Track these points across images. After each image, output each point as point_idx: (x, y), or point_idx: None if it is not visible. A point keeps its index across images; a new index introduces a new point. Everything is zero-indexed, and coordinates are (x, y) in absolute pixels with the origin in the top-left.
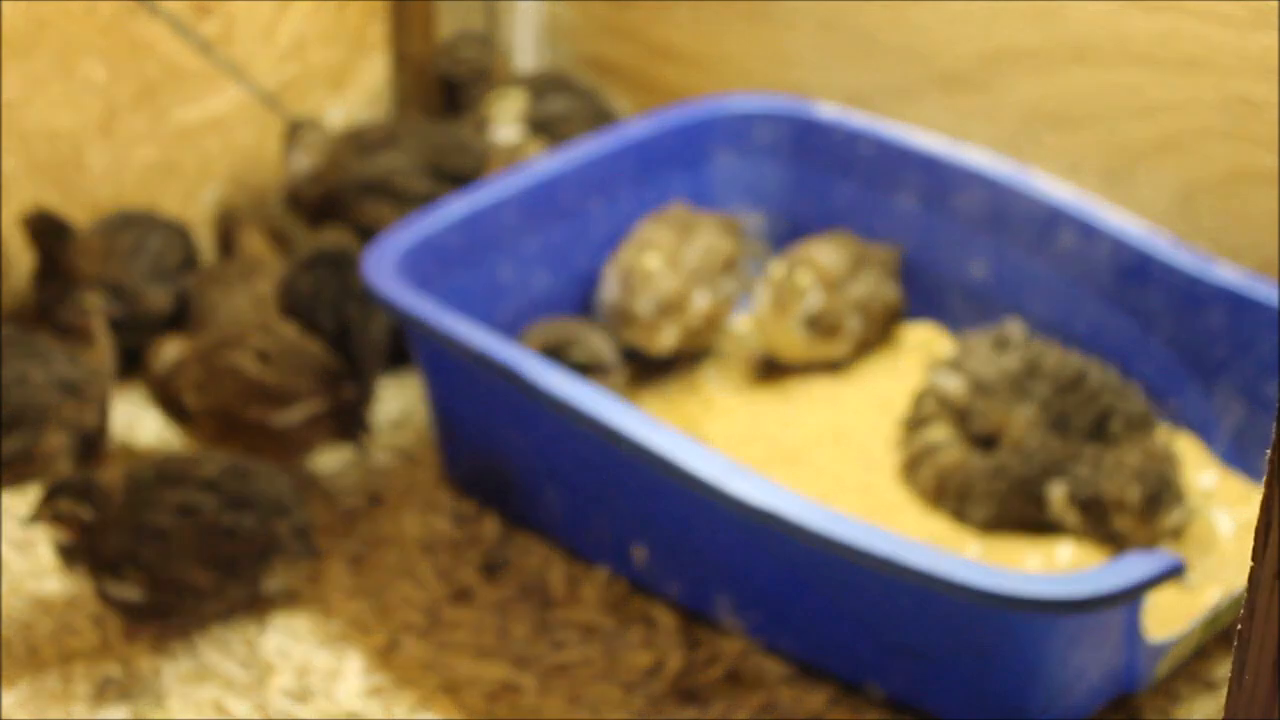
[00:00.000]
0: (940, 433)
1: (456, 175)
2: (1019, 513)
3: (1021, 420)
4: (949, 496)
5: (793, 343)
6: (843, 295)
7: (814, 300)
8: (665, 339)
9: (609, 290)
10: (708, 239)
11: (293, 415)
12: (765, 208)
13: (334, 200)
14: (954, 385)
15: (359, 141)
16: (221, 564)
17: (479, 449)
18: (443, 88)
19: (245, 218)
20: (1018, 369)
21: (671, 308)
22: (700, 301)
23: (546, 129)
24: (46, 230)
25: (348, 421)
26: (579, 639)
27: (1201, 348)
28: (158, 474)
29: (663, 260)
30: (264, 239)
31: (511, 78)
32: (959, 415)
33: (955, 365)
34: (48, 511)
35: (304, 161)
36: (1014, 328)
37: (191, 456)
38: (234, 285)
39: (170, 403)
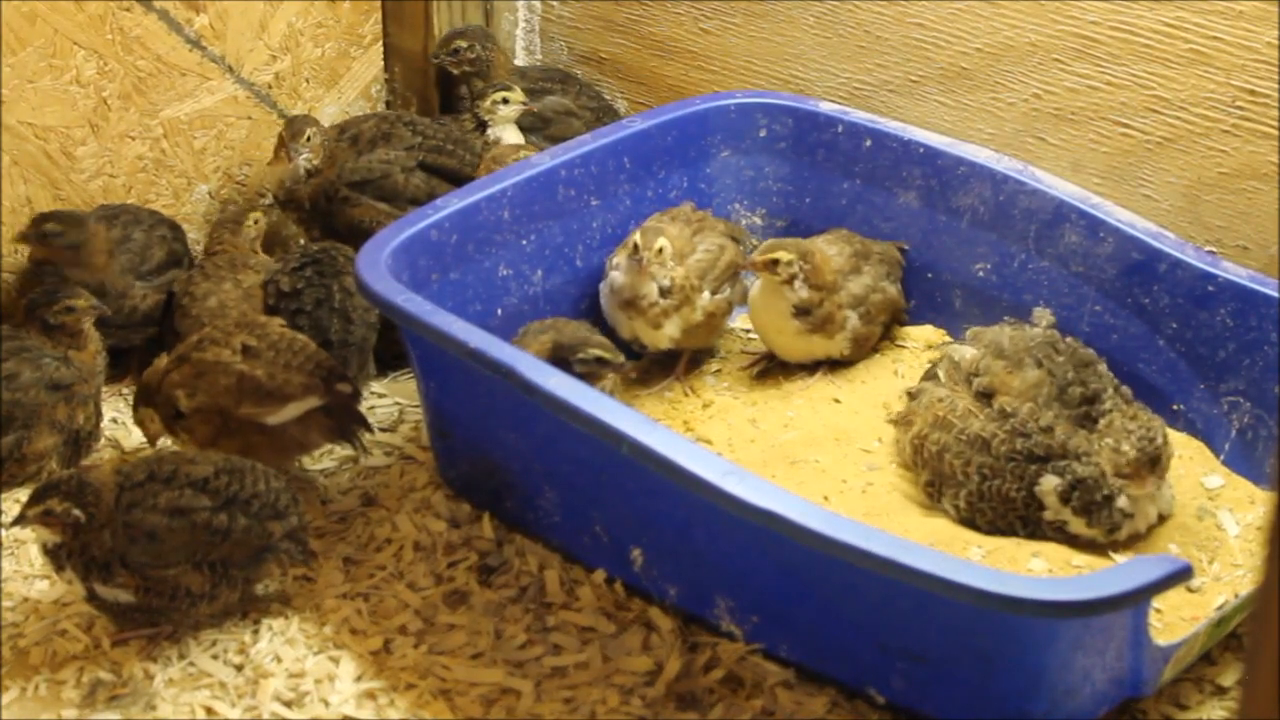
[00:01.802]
0: (941, 390)
1: (451, 172)
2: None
3: (1024, 383)
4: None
5: (784, 329)
6: (840, 289)
7: (800, 287)
8: (669, 329)
9: (616, 277)
10: (715, 240)
11: (286, 413)
12: (765, 206)
13: (329, 197)
14: (968, 354)
15: (353, 137)
16: (214, 566)
17: (475, 450)
18: (439, 83)
19: (232, 218)
20: (1039, 340)
21: (678, 297)
22: (704, 299)
23: (548, 124)
24: (66, 229)
25: (344, 419)
26: (576, 642)
27: (1207, 347)
28: (150, 474)
29: (672, 251)
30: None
31: (512, 73)
32: (966, 381)
33: (974, 338)
34: (39, 510)
35: (306, 161)
36: (1042, 314)
37: (185, 456)
38: (222, 278)
39: (164, 406)
